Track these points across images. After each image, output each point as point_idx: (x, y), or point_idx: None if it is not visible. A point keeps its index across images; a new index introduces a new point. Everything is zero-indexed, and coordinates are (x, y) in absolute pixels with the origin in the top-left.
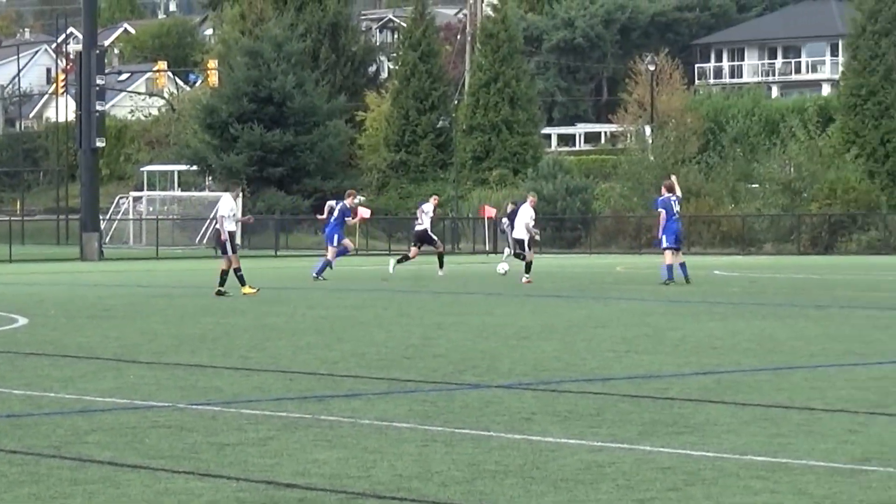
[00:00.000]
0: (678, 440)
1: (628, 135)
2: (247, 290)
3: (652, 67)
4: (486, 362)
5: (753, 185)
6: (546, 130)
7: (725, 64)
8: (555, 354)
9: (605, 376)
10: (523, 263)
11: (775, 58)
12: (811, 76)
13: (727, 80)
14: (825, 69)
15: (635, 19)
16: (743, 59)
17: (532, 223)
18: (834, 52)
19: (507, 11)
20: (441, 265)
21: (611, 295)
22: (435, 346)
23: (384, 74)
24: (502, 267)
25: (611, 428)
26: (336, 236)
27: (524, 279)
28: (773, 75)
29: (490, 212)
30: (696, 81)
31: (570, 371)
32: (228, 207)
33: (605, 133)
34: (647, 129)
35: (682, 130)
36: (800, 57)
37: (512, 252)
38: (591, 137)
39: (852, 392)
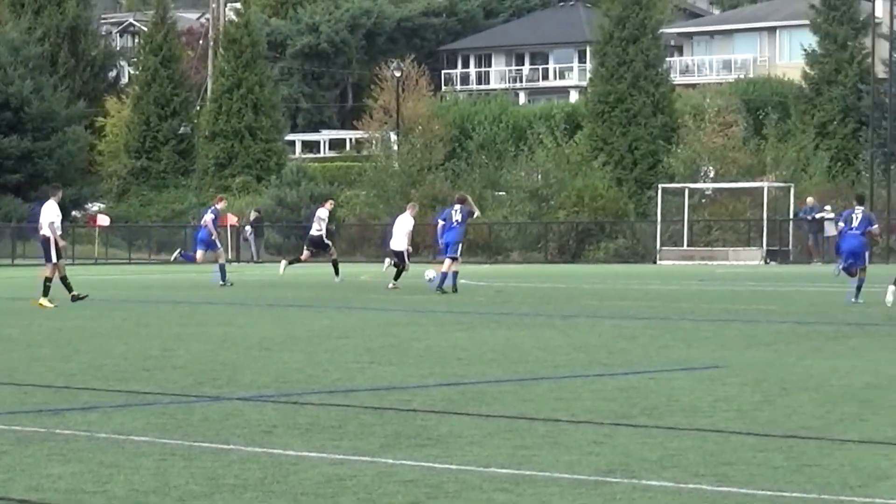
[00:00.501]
0: (421, 453)
1: (373, 141)
2: (44, 301)
3: (398, 73)
4: (226, 374)
5: (500, 193)
6: (290, 137)
7: (472, 70)
8: (297, 366)
9: (347, 388)
10: (395, 271)
11: (523, 64)
12: (559, 83)
13: (474, 86)
14: (573, 76)
15: (381, 24)
16: (490, 66)
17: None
18: (582, 59)
19: (251, 16)
20: (336, 272)
21: (354, 304)
22: (175, 357)
23: (125, 79)
24: (429, 273)
25: (353, 440)
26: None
27: (391, 285)
28: (521, 82)
29: (232, 219)
30: (443, 88)
31: (312, 383)
32: (56, 213)
33: (350, 140)
34: (393, 136)
35: (428, 137)
36: (547, 63)
37: (391, 262)
38: (336, 144)
39: (598, 403)
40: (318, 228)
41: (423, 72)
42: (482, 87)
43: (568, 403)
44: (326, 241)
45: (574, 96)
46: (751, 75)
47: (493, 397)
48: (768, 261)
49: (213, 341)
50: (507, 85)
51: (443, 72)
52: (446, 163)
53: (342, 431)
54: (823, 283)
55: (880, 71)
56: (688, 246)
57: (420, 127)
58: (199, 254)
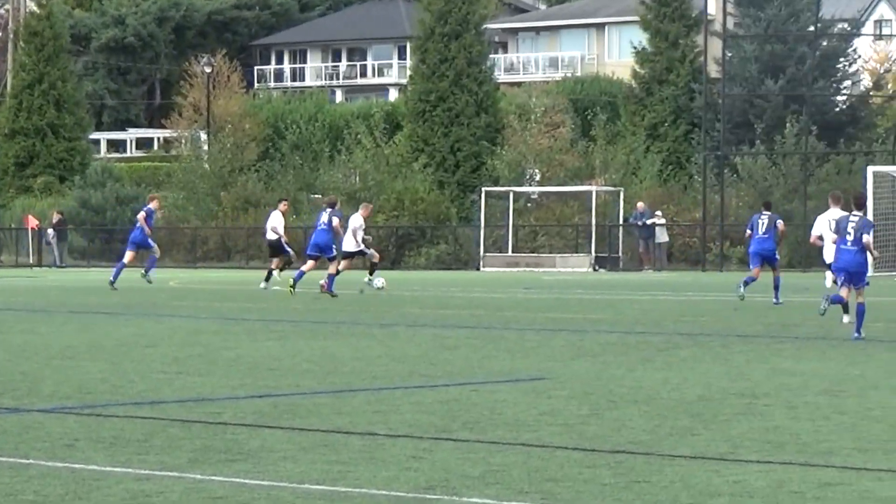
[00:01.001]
0: (231, 468)
1: (182, 141)
2: None
3: (208, 69)
4: (26, 384)
5: (316, 196)
6: (95, 135)
7: (287, 66)
8: (101, 376)
9: (154, 399)
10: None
11: (339, 60)
12: (378, 80)
13: (289, 83)
14: (392, 73)
15: (190, 18)
16: (305, 62)
17: (362, 234)
18: (402, 55)
19: (53, 7)
20: (267, 279)
21: (163, 311)
22: None
23: None
24: (379, 282)
25: (159, 455)
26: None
27: (379, 283)
28: (338, 79)
29: (33, 222)
30: (256, 84)
31: (117, 394)
32: None
33: (158, 139)
34: (203, 135)
35: (239, 136)
36: (365, 60)
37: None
38: (143, 143)
39: (417, 416)
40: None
41: (234, 67)
42: (297, 84)
43: (386, 416)
44: (286, 246)
45: (394, 94)
46: (578, 74)
47: (308, 410)
48: (597, 268)
49: (12, 350)
50: (323, 82)
51: (255, 68)
52: (259, 164)
53: (148, 445)
54: (654, 291)
55: (713, 70)
56: (513, 252)
57: (231, 126)
58: (129, 255)
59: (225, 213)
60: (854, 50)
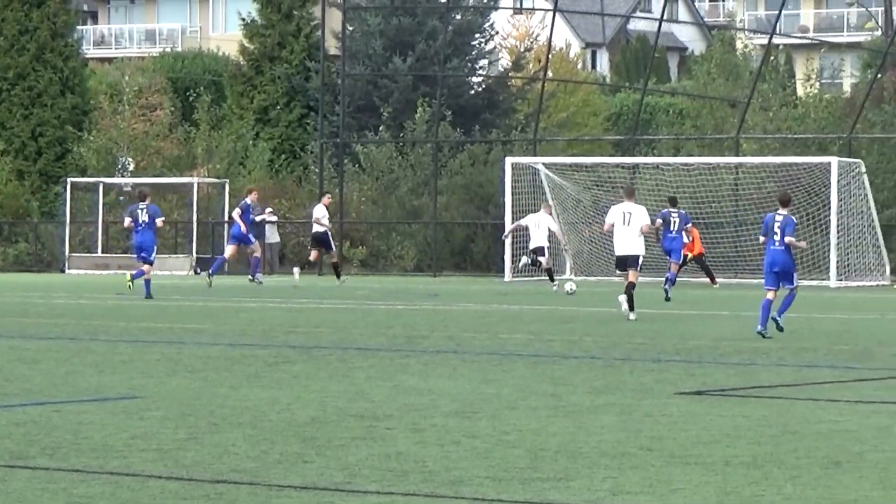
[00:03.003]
0: None
1: None
2: None
3: None
4: None
5: None
6: None
7: None
8: None
9: None
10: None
11: None
12: None
13: None
14: None
15: None
16: None
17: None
18: None
19: None
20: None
21: None
22: None
23: None
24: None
25: None
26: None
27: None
28: None
29: None
30: None
31: None
32: None
33: None
34: None
35: None
36: None
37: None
38: None
39: None
40: (322, 226)
41: None
42: None
43: None
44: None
45: None
46: (179, 49)
47: None
48: (199, 270)
49: None
50: None
51: None
52: None
53: None
54: (264, 299)
55: (332, 46)
56: (102, 252)
57: None
58: (231, 249)
59: None
60: (491, 25)
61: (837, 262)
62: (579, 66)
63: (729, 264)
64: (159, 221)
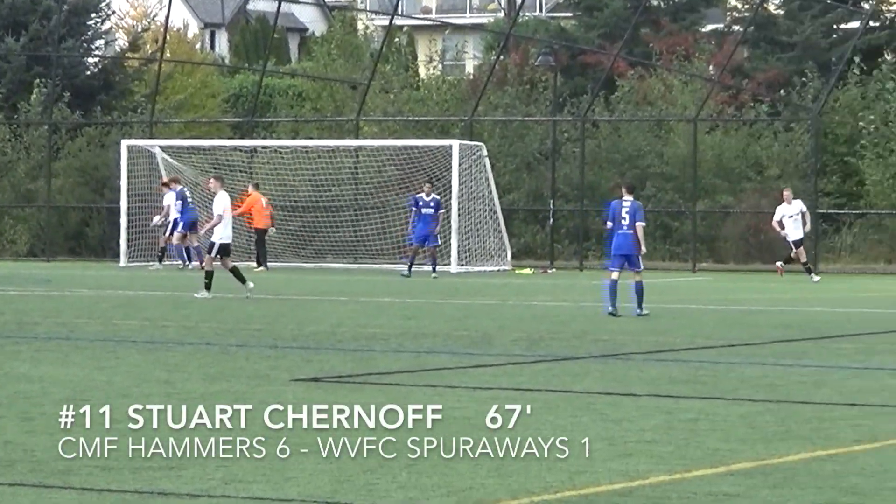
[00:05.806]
0: None
1: None
2: None
3: None
4: None
5: None
6: None
7: None
8: None
9: None
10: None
11: None
12: None
13: None
14: None
15: None
16: None
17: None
18: None
19: None
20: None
21: None
22: None
23: None
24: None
25: None
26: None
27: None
28: None
29: None
30: None
31: None
32: None
33: None
34: None
35: None
36: None
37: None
38: None
39: None
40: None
41: None
42: None
43: None
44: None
45: None
46: None
47: None
48: None
49: None
50: None
51: None
52: None
53: None
54: None
55: None
56: None
57: None
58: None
59: None
60: (108, 5)
61: (458, 247)
62: (198, 46)
63: (349, 249)
64: None
